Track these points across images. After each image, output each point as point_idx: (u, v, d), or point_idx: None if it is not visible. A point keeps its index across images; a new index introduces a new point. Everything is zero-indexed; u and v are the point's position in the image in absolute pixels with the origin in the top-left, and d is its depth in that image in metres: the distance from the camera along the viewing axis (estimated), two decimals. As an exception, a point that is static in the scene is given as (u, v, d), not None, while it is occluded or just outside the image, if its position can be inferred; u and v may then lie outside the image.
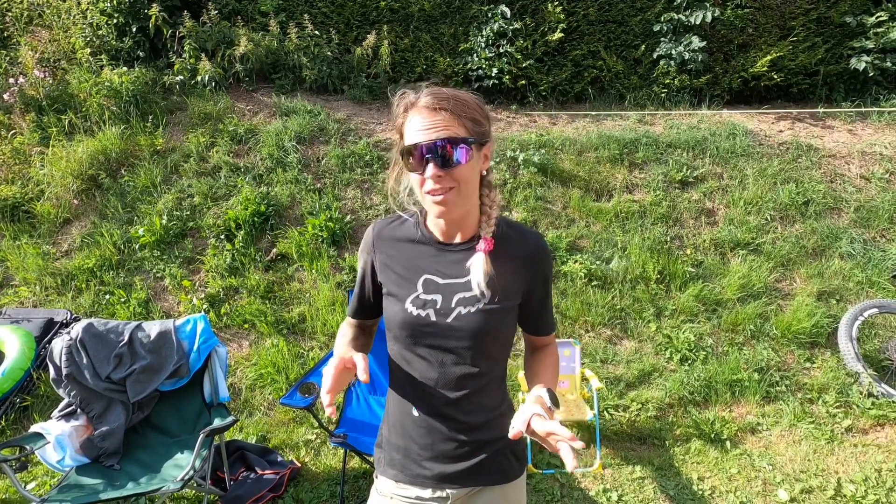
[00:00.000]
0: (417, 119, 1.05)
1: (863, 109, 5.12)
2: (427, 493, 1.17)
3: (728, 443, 2.96)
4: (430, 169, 1.02)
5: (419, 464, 1.17)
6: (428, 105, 1.04)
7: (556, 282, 3.79)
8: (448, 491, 1.16)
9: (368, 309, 1.27)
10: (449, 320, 1.10)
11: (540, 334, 1.26)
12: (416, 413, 1.16)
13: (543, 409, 1.00)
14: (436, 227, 1.16)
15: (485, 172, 1.13)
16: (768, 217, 4.16)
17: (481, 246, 1.10)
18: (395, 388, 1.22)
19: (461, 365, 1.11)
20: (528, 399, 1.07)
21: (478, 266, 1.09)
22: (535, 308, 1.19)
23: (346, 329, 1.29)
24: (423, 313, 1.11)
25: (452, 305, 1.11)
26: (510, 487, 1.20)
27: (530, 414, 0.98)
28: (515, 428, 0.99)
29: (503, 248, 1.13)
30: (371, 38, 5.00)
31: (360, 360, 1.00)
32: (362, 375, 0.98)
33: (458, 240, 1.15)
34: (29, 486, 2.67)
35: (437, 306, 1.11)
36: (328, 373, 1.01)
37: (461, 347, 1.10)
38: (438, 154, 1.02)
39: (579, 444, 0.90)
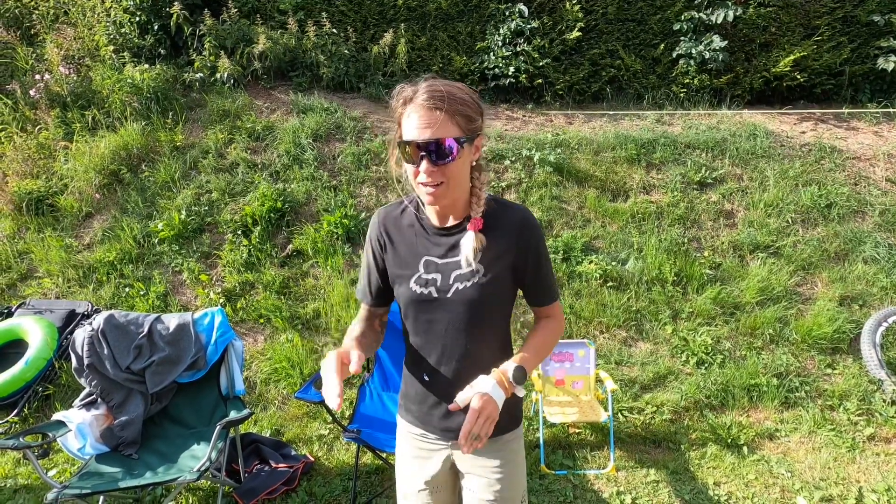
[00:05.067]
0: (414, 116, 1.13)
1: (889, 110, 5.00)
2: (432, 435, 1.37)
3: (745, 448, 2.91)
4: (424, 165, 1.13)
5: (428, 414, 1.36)
6: (424, 104, 1.12)
7: (570, 282, 3.76)
8: (451, 441, 1.35)
9: (382, 294, 1.36)
10: (449, 295, 1.24)
11: (535, 305, 1.36)
12: (426, 378, 1.33)
13: (502, 386, 1.16)
14: (431, 212, 1.28)
15: (473, 162, 1.22)
16: (789, 220, 4.08)
17: (471, 225, 1.22)
18: (410, 357, 1.38)
19: (462, 335, 1.25)
20: (494, 371, 1.20)
21: (467, 243, 1.21)
22: (528, 278, 1.29)
23: (354, 326, 1.37)
24: (425, 291, 1.25)
25: (451, 282, 1.24)
26: (505, 439, 1.34)
27: (474, 394, 1.14)
28: (456, 402, 1.16)
29: (492, 223, 1.24)
30: (388, 37, 5.01)
31: (355, 355, 1.10)
32: (352, 367, 1.08)
33: (450, 222, 1.27)
34: (50, 473, 2.73)
35: (438, 284, 1.25)
36: (330, 376, 1.06)
37: (461, 319, 1.24)
38: (432, 152, 1.12)
39: (463, 438, 1.11)
